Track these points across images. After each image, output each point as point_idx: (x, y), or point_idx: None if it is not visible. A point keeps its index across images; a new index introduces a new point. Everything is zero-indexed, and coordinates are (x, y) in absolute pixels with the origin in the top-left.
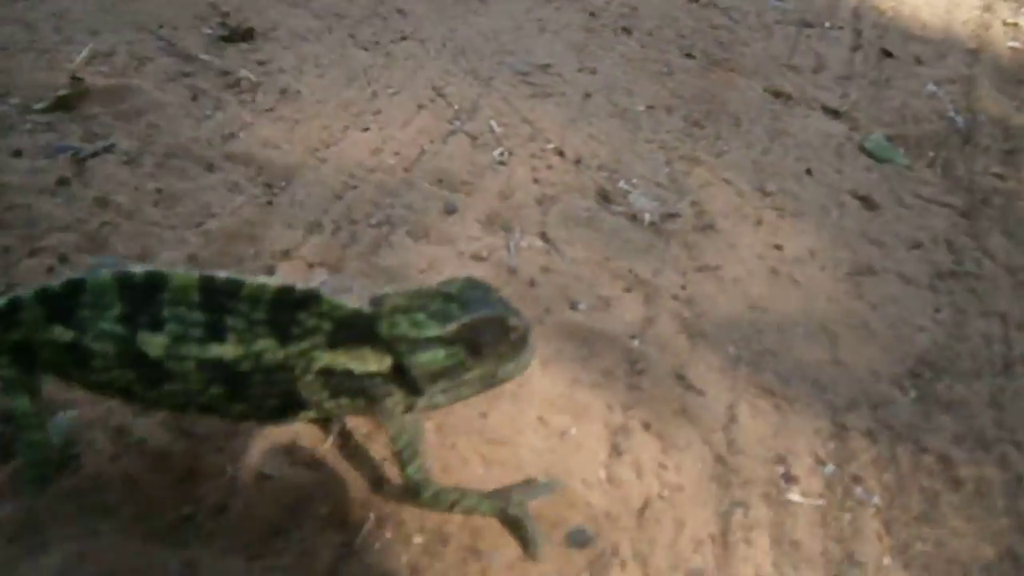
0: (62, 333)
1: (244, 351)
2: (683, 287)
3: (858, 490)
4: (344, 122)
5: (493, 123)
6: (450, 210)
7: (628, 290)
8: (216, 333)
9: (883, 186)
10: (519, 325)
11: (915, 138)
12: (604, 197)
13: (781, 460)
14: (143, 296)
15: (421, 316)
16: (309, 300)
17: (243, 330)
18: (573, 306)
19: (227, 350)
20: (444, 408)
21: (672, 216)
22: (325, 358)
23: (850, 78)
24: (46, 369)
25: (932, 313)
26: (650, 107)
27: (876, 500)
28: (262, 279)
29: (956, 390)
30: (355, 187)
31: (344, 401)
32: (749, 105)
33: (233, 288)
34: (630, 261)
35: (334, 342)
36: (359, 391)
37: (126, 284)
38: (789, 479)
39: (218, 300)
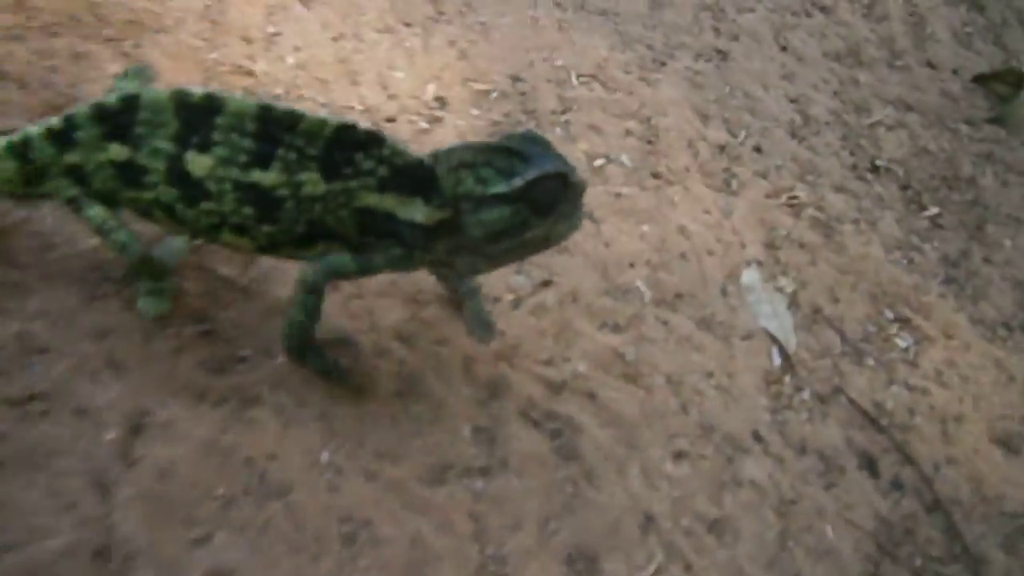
0: (118, 152)
1: (285, 180)
2: None
3: None
4: None
5: None
6: None
7: None
8: (261, 161)
9: None
10: (579, 183)
11: None
12: None
13: None
14: (199, 118)
15: (486, 172)
16: (371, 143)
17: (291, 161)
18: None
19: (267, 177)
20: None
21: None
22: (369, 198)
23: None
24: (95, 192)
25: None
26: None
27: None
28: (324, 115)
29: None
30: None
31: (370, 239)
32: None
33: (291, 121)
34: None
35: (385, 186)
36: (391, 234)
37: (184, 104)
38: None
39: (272, 131)
